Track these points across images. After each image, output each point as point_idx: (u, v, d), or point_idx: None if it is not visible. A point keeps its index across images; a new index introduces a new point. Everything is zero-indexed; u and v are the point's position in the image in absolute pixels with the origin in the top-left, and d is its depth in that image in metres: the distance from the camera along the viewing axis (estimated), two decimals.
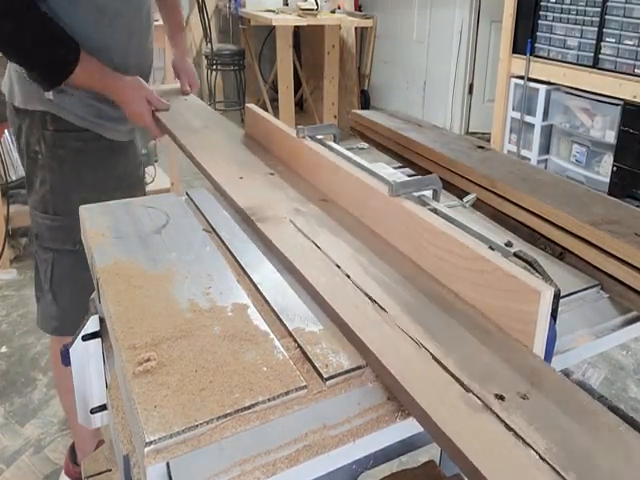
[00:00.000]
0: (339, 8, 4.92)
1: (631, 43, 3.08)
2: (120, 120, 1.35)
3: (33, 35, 1.13)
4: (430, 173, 0.95)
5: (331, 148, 1.05)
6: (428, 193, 0.85)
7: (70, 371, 0.92)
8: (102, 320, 0.88)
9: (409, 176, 1.08)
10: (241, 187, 1.03)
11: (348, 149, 1.04)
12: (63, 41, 1.17)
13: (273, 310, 0.73)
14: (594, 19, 3.25)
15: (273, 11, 4.67)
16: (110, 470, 1.12)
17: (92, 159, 1.33)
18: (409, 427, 0.59)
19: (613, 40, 3.17)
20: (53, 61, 1.17)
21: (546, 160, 3.80)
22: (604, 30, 3.21)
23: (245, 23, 5.27)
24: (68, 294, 1.35)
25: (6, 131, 2.72)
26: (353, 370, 0.62)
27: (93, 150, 1.33)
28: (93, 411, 0.92)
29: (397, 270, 0.77)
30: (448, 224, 0.76)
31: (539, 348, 0.62)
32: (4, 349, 2.21)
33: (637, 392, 2.05)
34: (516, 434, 0.50)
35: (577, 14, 3.36)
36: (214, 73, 4.98)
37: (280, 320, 0.71)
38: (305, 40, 5.51)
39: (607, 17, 3.19)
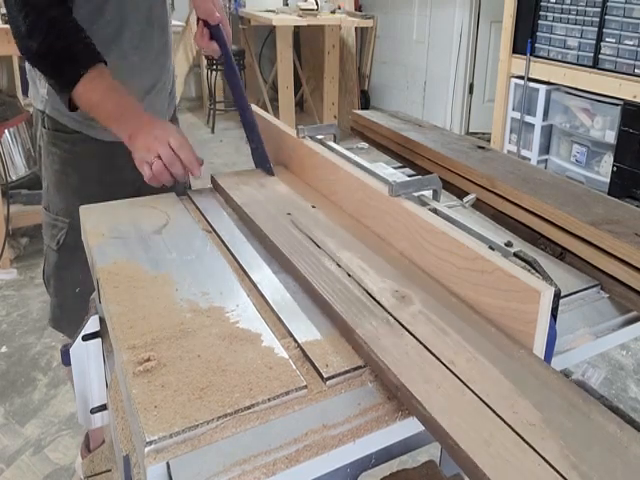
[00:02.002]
0: (339, 8, 4.92)
1: (631, 43, 3.08)
2: None
3: (59, 29, 1.05)
4: (430, 173, 0.95)
5: (331, 148, 1.05)
6: (428, 193, 0.85)
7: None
8: (102, 320, 0.88)
9: (409, 176, 1.08)
10: None
11: (348, 149, 1.04)
12: (83, 45, 1.07)
13: (273, 310, 0.73)
14: (594, 19, 3.25)
15: (273, 11, 4.67)
16: (110, 470, 1.12)
17: (77, 163, 1.27)
18: (409, 427, 0.59)
19: (613, 40, 3.17)
20: (63, 58, 1.06)
21: (546, 160, 3.80)
22: (604, 30, 3.21)
23: (245, 23, 5.27)
24: (55, 290, 1.38)
25: (6, 131, 2.72)
26: (353, 370, 0.62)
27: (79, 153, 1.26)
28: (93, 411, 0.92)
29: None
30: (448, 224, 0.76)
31: (539, 348, 0.62)
32: (4, 349, 2.21)
33: (637, 392, 2.05)
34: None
35: (577, 14, 3.36)
36: (214, 73, 4.98)
37: (280, 320, 0.71)
38: (305, 40, 5.51)
39: (607, 17, 3.19)
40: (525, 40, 3.66)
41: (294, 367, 0.62)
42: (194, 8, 1.15)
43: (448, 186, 1.06)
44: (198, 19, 1.19)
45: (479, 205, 1.00)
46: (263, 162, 1.15)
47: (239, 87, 1.17)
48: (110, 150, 1.29)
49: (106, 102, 1.06)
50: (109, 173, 1.30)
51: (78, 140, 1.27)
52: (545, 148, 3.78)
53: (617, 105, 3.20)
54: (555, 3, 3.48)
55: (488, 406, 0.54)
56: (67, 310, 1.36)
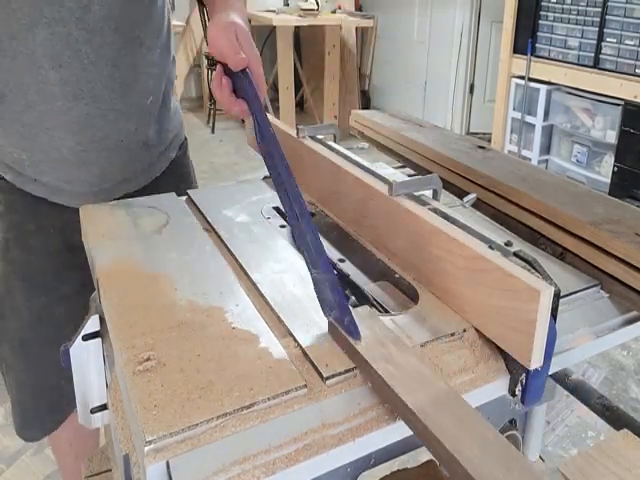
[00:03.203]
0: (339, 8, 4.93)
1: (632, 43, 3.09)
2: (44, 172, 1.04)
3: None
4: (430, 173, 0.95)
5: (331, 148, 1.05)
6: (428, 193, 0.85)
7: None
8: (102, 320, 0.88)
9: (409, 176, 1.08)
10: None
11: (348, 149, 1.04)
12: None
13: (273, 310, 0.73)
14: (595, 19, 3.25)
15: (273, 11, 4.67)
16: (110, 470, 1.12)
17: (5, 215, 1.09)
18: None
19: (614, 40, 3.18)
20: None
21: (547, 160, 3.80)
22: (605, 30, 3.22)
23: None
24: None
25: None
26: (353, 369, 0.62)
27: (7, 203, 1.08)
28: (93, 411, 0.92)
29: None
30: (448, 224, 0.76)
31: (539, 348, 0.62)
32: None
33: (638, 392, 2.04)
34: None
35: (578, 14, 3.36)
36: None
37: (280, 319, 0.71)
38: (306, 40, 5.51)
39: (608, 17, 3.19)
40: (526, 40, 3.66)
41: (294, 366, 0.62)
42: (209, 47, 0.85)
43: (448, 186, 1.06)
44: (217, 62, 0.88)
45: (479, 205, 1.00)
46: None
47: (285, 182, 0.69)
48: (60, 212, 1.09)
49: None
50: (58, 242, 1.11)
51: (5, 188, 1.08)
52: (546, 148, 3.78)
53: (618, 105, 3.20)
54: (556, 3, 3.48)
55: None
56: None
